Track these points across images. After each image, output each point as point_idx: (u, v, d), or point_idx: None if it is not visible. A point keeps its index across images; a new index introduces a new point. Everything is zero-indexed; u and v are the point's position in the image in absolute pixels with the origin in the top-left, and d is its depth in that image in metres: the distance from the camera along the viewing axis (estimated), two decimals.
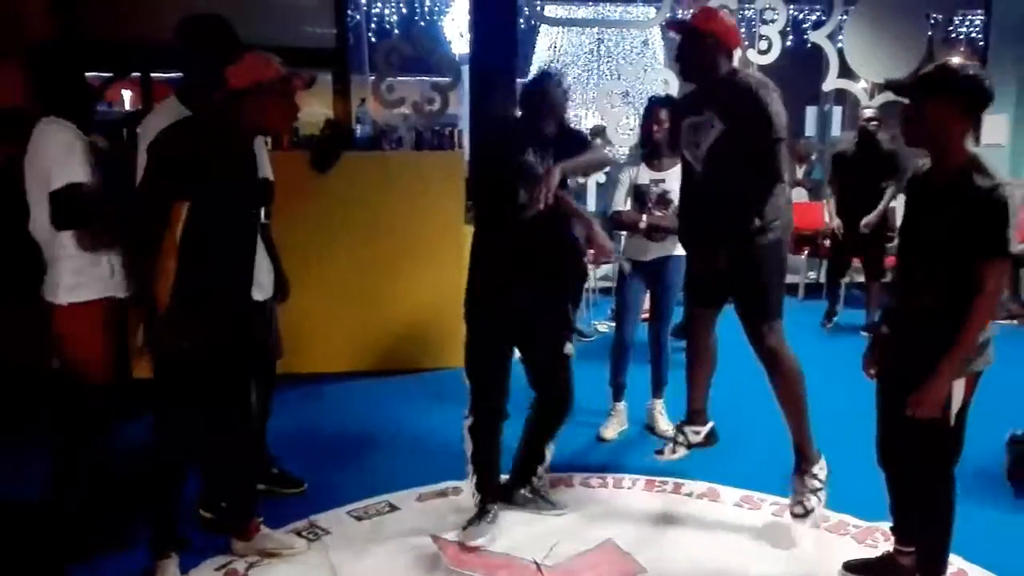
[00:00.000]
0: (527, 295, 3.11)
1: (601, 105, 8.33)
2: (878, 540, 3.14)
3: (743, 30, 7.74)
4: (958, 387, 2.50)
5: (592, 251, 3.11)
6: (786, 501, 3.34)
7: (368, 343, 5.25)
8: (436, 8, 12.56)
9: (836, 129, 12.48)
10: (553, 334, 3.23)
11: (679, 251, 4.19)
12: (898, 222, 3.17)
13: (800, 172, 9.96)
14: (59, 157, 2.85)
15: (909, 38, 7.49)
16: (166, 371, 2.71)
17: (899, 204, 4.82)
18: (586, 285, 6.80)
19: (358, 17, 10.25)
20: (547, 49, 14.18)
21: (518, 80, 5.98)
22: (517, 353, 3.26)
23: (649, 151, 4.19)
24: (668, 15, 8.00)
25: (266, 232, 3.19)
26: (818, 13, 10.00)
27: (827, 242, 7.38)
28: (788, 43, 7.95)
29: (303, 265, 4.23)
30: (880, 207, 6.29)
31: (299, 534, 3.19)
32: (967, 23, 11.51)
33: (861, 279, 6.95)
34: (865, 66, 7.56)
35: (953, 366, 2.43)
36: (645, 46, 13.70)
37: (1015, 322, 6.55)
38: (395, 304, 5.22)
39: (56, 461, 3.10)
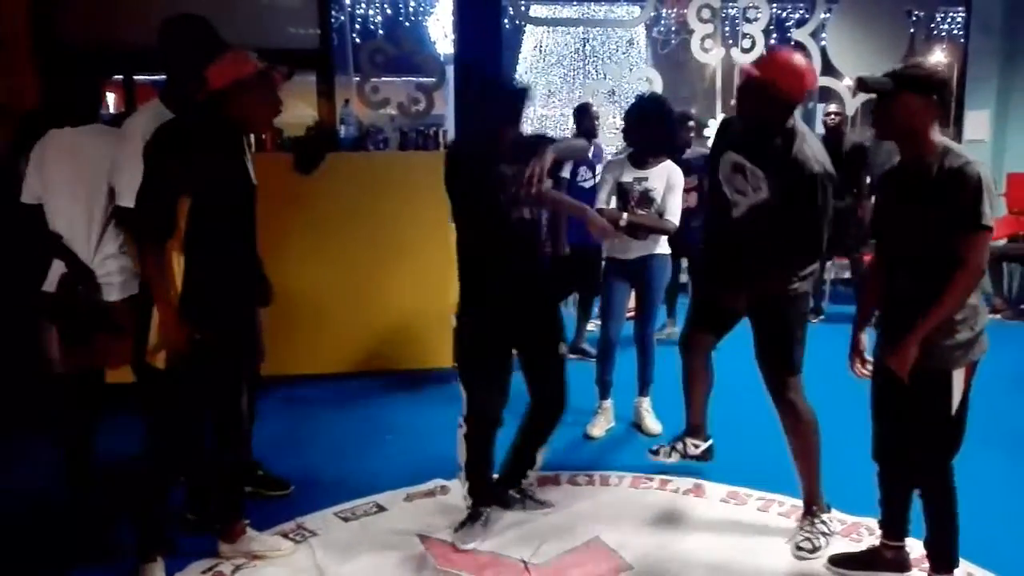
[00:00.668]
0: (520, 300, 3.12)
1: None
2: (863, 535, 3.16)
3: (727, 29, 7.81)
4: (958, 378, 2.54)
5: (594, 232, 3.11)
6: (772, 496, 3.37)
7: (354, 344, 5.24)
8: (420, 8, 12.53)
9: (819, 126, 12.55)
10: (548, 335, 3.23)
11: (661, 249, 4.22)
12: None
13: None
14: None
15: (891, 35, 7.54)
16: (173, 370, 2.71)
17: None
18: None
19: (342, 18, 10.22)
20: (532, 49, 14.19)
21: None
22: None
23: (633, 151, 4.20)
24: (652, 14, 8.02)
25: None
26: (801, 11, 10.03)
27: None
28: (771, 41, 7.99)
29: (288, 267, 4.22)
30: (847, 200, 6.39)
31: (286, 536, 3.19)
32: (948, 20, 11.57)
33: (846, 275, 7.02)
34: (848, 63, 7.60)
35: (926, 329, 2.50)
36: (630, 45, 13.72)
37: (998, 316, 6.61)
38: (380, 305, 5.21)
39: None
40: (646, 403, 4.33)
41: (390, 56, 6.21)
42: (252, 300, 2.98)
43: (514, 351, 3.22)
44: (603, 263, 4.40)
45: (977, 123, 7.84)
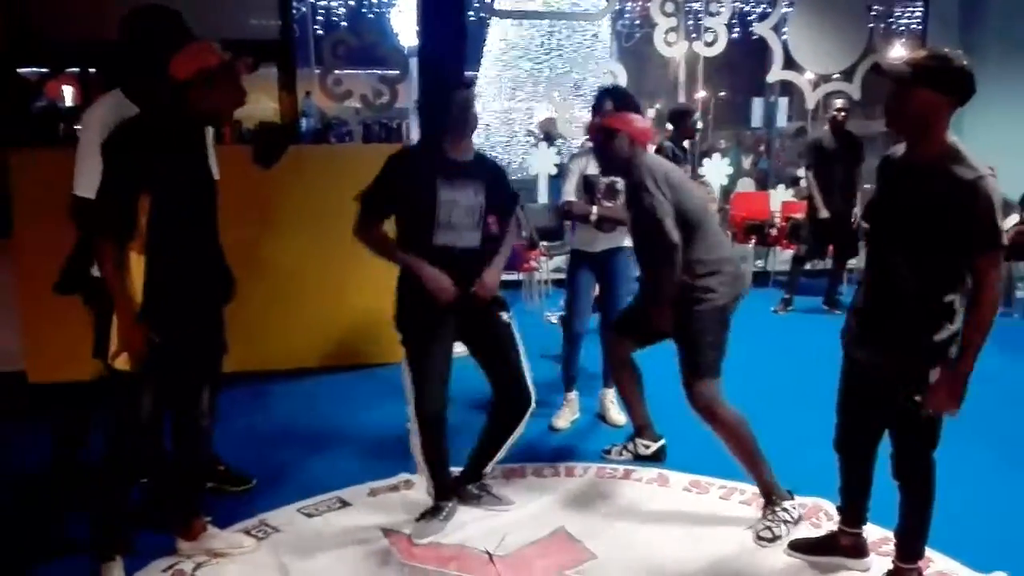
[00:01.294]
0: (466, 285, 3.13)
1: (552, 97, 8.35)
2: (822, 520, 3.20)
3: (690, 23, 7.86)
4: (934, 375, 2.50)
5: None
6: (733, 484, 3.40)
7: (316, 339, 5.20)
8: (384, 0, 12.46)
9: (782, 120, 12.70)
10: (484, 310, 3.23)
11: (628, 242, 4.24)
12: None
13: (747, 162, 10.05)
14: (83, 160, 2.91)
15: (851, 30, 7.66)
16: (134, 371, 2.66)
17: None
18: (538, 277, 6.88)
19: (303, 9, 10.12)
20: (498, 41, 14.16)
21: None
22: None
23: None
24: (616, 7, 8.06)
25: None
26: (763, 6, 10.13)
27: (772, 230, 7.54)
28: (734, 35, 8.07)
29: (248, 261, 4.16)
30: (858, 196, 6.56)
31: (249, 532, 3.15)
32: (907, 14, 11.77)
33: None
34: (809, 57, 7.70)
35: (970, 363, 2.43)
36: (595, 39, 13.75)
37: None
38: (342, 299, 5.17)
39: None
40: (611, 395, 4.35)
41: (353, 48, 6.17)
42: (215, 299, 2.92)
43: (458, 348, 3.23)
44: (568, 255, 4.41)
45: None
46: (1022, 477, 3.64)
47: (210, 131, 3.40)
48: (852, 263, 7.06)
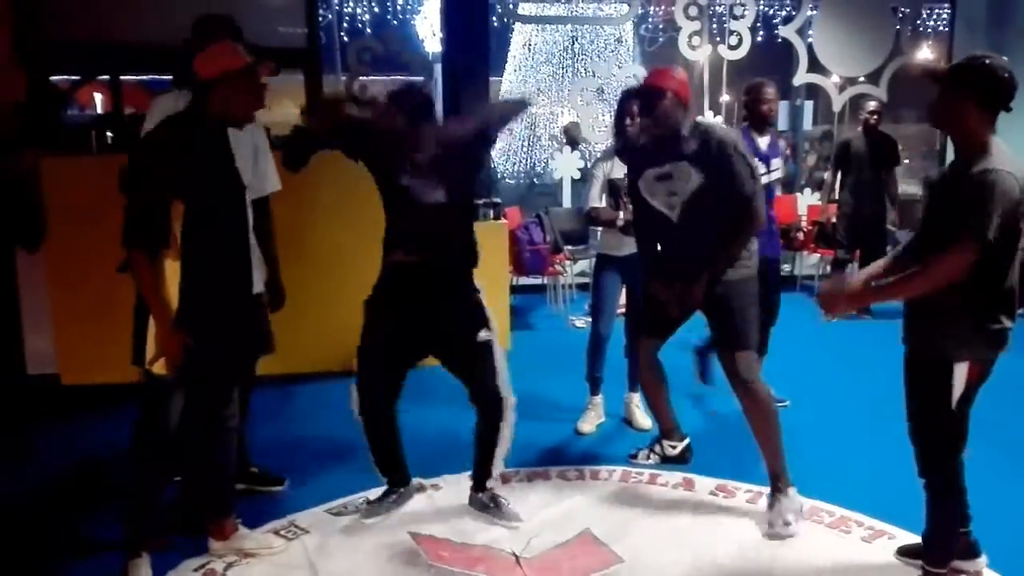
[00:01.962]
0: (429, 299, 3.13)
1: (575, 102, 8.36)
2: (851, 527, 3.19)
3: (714, 26, 7.84)
4: (960, 372, 2.49)
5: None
6: (760, 488, 3.39)
7: (344, 342, 5.21)
8: (408, 7, 12.53)
9: (808, 123, 12.61)
10: (463, 327, 3.19)
11: None
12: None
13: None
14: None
15: (877, 32, 7.60)
16: (171, 373, 2.72)
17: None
18: (563, 281, 6.89)
19: (330, 16, 10.20)
20: (521, 47, 14.22)
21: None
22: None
23: (622, 145, 4.21)
24: (639, 11, 8.05)
25: (264, 226, 3.25)
26: (787, 8, 10.08)
27: (799, 233, 7.49)
28: (758, 38, 8.04)
29: (281, 265, 4.22)
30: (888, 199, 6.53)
31: (278, 533, 3.19)
32: (934, 16, 11.66)
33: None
34: (834, 60, 7.65)
35: (874, 298, 2.68)
36: (619, 43, 13.77)
37: None
38: (356, 303, 5.19)
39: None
40: (636, 399, 4.34)
41: (378, 54, 6.24)
42: (249, 302, 2.92)
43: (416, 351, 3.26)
44: (593, 259, 4.42)
45: None
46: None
47: (263, 136, 3.47)
48: None
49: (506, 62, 14.07)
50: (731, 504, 3.43)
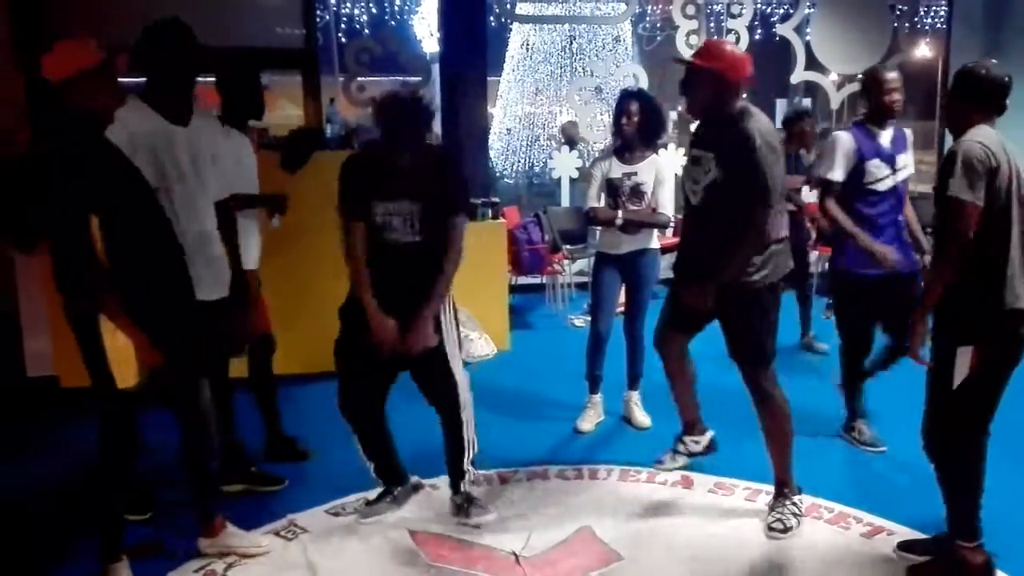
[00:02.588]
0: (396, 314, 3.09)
1: (573, 101, 8.37)
2: (851, 524, 3.20)
3: (712, 25, 7.84)
4: (963, 356, 2.60)
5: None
6: (758, 486, 3.40)
7: None
8: (406, 7, 12.54)
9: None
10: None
11: (653, 244, 4.25)
12: None
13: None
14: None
15: (875, 29, 7.60)
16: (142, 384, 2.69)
17: None
18: (561, 280, 6.90)
19: (327, 17, 10.23)
20: (519, 46, 14.21)
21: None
22: None
23: (620, 144, 4.22)
24: (637, 10, 8.05)
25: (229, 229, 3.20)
26: (785, 6, 10.09)
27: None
28: (756, 36, 8.05)
29: (278, 266, 4.22)
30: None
31: (278, 533, 3.20)
32: (931, 14, 11.67)
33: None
34: (832, 58, 7.65)
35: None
36: (616, 42, 13.76)
37: None
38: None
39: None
40: (635, 397, 4.35)
41: (376, 55, 6.23)
42: (186, 302, 2.83)
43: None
44: (591, 258, 4.42)
45: None
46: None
47: (244, 139, 3.45)
48: None
49: (504, 62, 14.06)
50: (730, 501, 3.43)
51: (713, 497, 3.48)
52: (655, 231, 4.26)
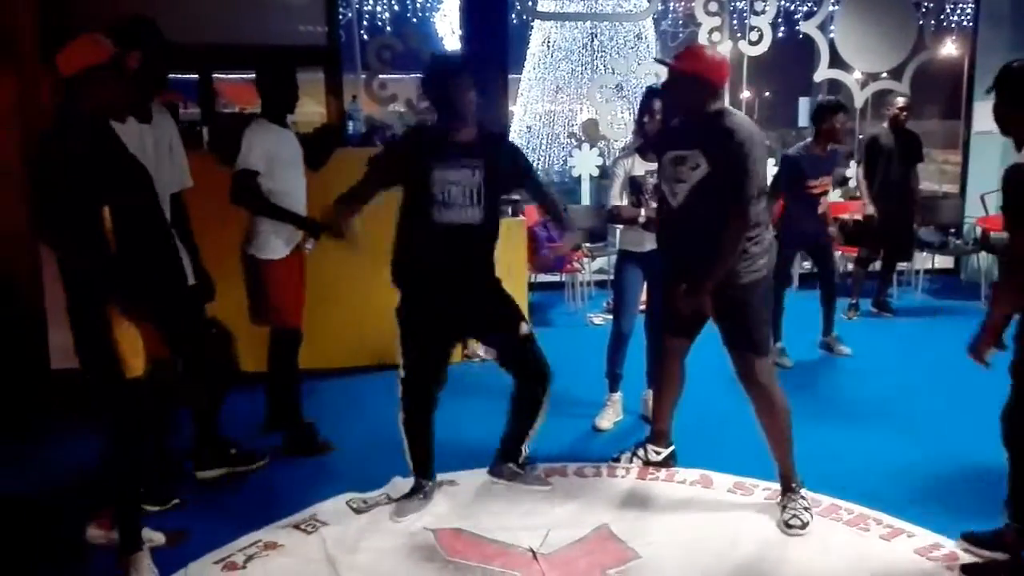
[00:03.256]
0: (463, 293, 3.20)
1: (594, 99, 8.35)
2: (870, 525, 3.18)
3: (735, 22, 7.80)
4: None
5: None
6: (778, 486, 3.38)
7: (366, 337, 5.26)
8: (428, 5, 12.57)
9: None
10: (503, 321, 3.32)
11: None
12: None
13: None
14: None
15: (900, 27, 7.53)
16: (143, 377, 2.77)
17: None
18: (581, 279, 6.89)
19: (350, 15, 10.25)
20: (541, 44, 14.21)
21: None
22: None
23: (643, 142, 4.21)
24: (660, 7, 8.01)
25: (183, 220, 3.31)
26: (809, 3, 10.01)
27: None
28: (779, 34, 7.99)
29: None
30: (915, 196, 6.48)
31: (298, 526, 3.22)
32: (958, 11, 11.52)
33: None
34: (856, 56, 7.59)
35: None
36: (638, 39, 13.72)
37: None
38: (386, 299, 5.22)
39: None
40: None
41: (397, 52, 6.25)
42: (176, 294, 2.92)
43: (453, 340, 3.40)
44: (612, 256, 4.41)
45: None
46: None
47: (175, 130, 3.49)
48: (903, 266, 6.92)
49: (525, 59, 14.06)
50: (749, 501, 3.42)
51: (732, 497, 3.47)
52: None
